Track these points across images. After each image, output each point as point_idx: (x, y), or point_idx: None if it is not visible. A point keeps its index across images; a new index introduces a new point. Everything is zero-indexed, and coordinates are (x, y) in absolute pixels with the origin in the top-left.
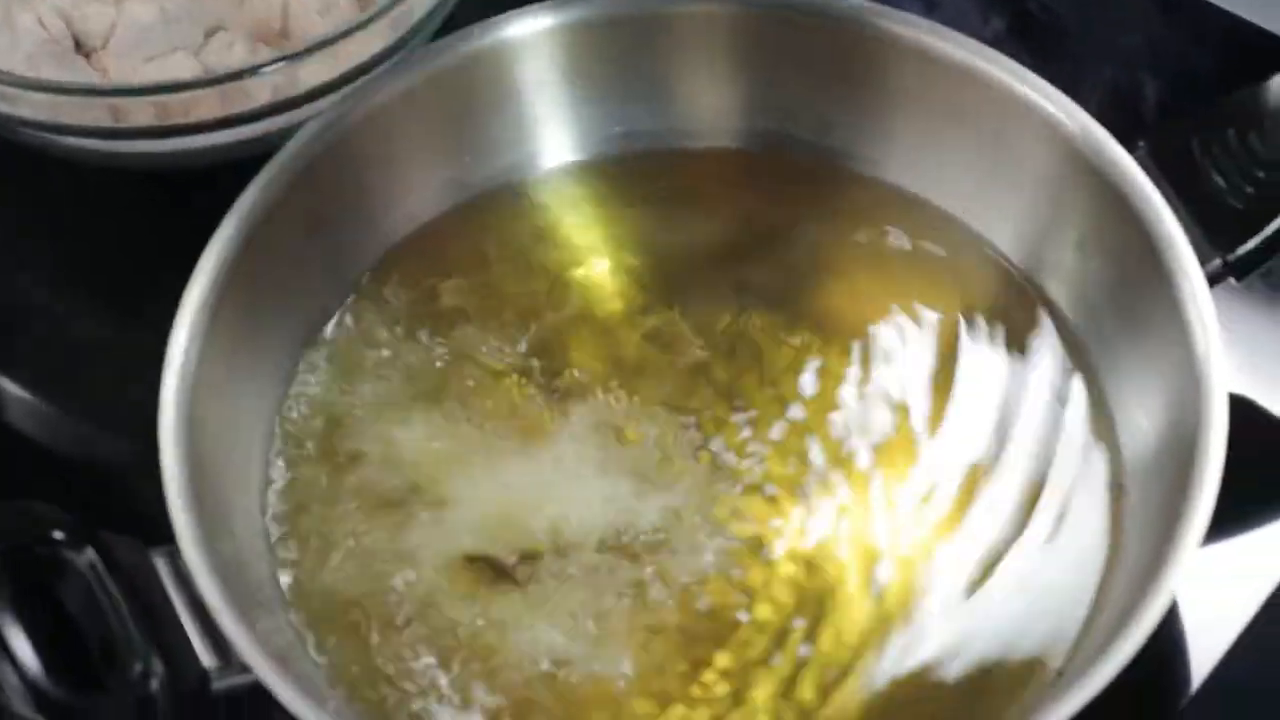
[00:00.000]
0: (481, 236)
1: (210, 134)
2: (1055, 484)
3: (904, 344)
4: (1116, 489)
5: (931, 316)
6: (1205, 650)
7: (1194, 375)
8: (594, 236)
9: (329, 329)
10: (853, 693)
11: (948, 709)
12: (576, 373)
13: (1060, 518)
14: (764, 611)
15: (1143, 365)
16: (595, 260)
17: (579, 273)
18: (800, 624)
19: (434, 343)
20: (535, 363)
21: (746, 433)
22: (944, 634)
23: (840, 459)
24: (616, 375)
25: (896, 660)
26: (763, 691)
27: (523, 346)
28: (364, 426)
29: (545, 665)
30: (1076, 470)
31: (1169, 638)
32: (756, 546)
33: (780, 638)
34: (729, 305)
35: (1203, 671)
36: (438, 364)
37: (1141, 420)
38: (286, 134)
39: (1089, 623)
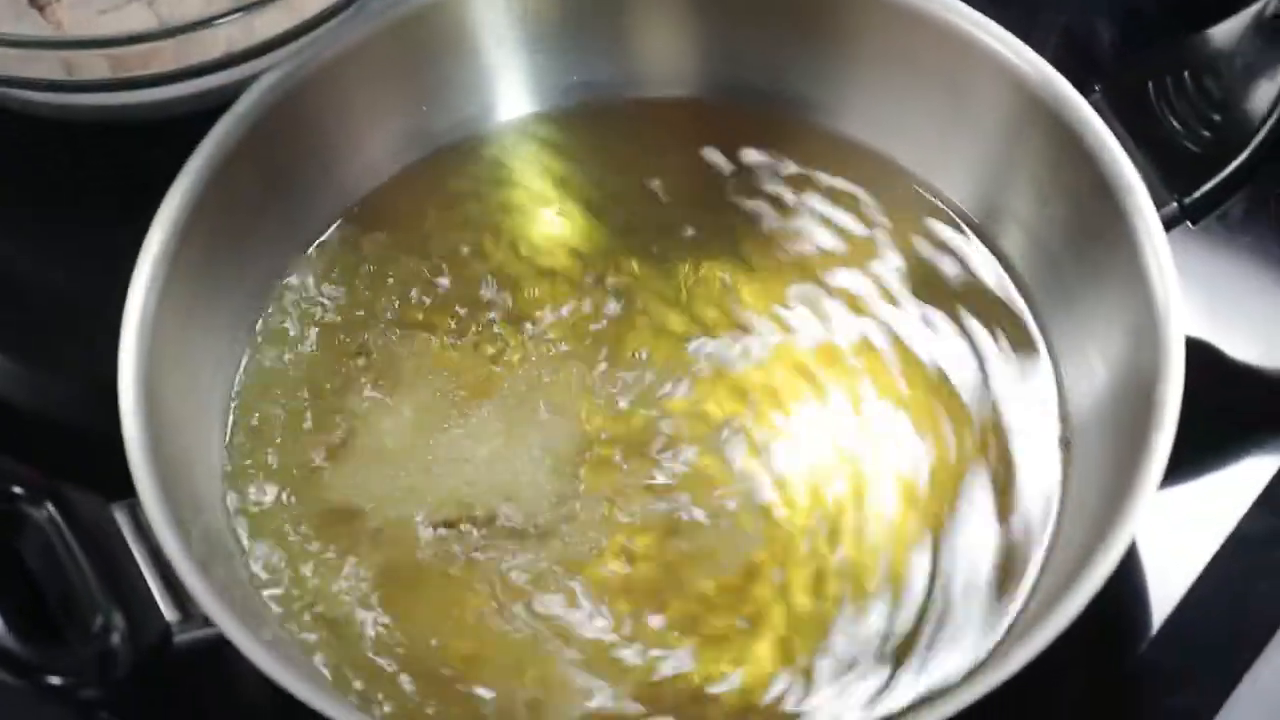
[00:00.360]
0: (439, 188)
1: (166, 86)
2: (1010, 429)
3: (862, 292)
4: (1070, 432)
5: (888, 264)
6: (1164, 594)
7: (1151, 319)
8: (552, 187)
9: (287, 281)
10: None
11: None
12: (532, 327)
13: (1014, 463)
14: (730, 563)
15: (1100, 310)
16: (553, 211)
17: (538, 224)
18: (767, 575)
19: (389, 296)
20: (493, 317)
21: (697, 388)
22: (902, 577)
23: (795, 404)
24: (574, 328)
25: (854, 611)
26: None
27: (480, 300)
28: (319, 381)
29: (507, 631)
30: (1033, 414)
31: (1129, 582)
32: (724, 497)
33: (744, 589)
34: (687, 255)
35: (1162, 614)
36: (391, 317)
37: (1099, 365)
38: (243, 86)
39: (1045, 565)
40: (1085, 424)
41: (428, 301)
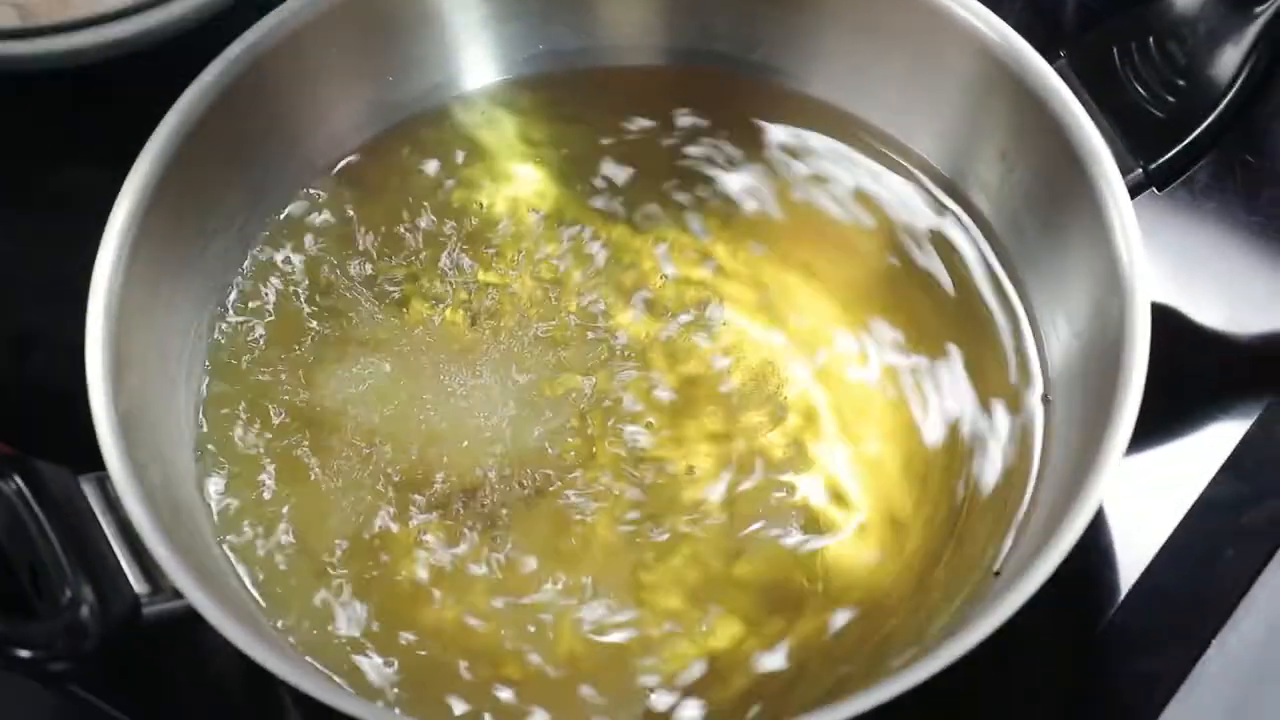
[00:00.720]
0: (406, 157)
1: (75, 34)
2: (984, 393)
3: (834, 258)
4: (1044, 398)
5: (860, 228)
6: (1131, 559)
7: (1117, 285)
8: (520, 155)
9: (255, 250)
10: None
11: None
12: (501, 292)
13: (989, 427)
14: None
15: (1067, 276)
16: (521, 178)
17: (505, 191)
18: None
19: (358, 263)
20: (462, 282)
21: (673, 348)
22: (884, 536)
23: (781, 363)
24: (543, 297)
25: (839, 565)
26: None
27: (449, 266)
28: (288, 355)
29: (480, 598)
30: (1004, 380)
31: (1096, 547)
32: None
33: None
34: (659, 223)
35: (1129, 580)
36: (360, 284)
37: (1067, 331)
38: (153, 34)
39: (1024, 526)
40: (1057, 386)
41: (396, 268)
